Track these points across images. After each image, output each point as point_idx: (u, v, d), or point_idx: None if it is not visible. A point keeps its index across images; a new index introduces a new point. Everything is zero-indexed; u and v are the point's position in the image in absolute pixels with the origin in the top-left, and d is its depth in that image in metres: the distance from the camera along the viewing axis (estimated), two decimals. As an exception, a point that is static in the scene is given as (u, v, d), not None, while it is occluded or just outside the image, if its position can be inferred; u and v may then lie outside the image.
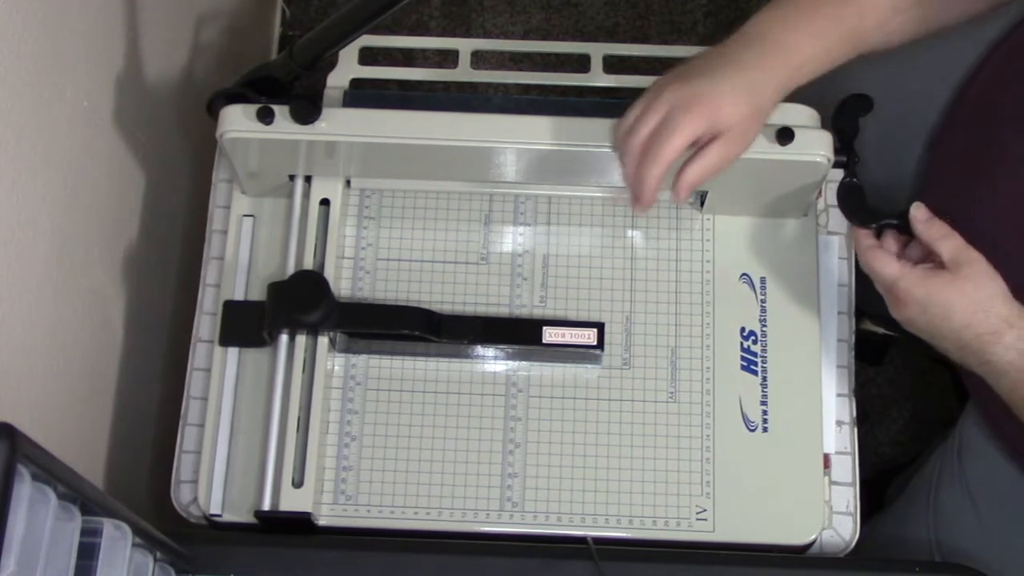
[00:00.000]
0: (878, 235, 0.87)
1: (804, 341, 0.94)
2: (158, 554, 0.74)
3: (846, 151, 0.90)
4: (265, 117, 0.88)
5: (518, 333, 0.92)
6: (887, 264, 0.84)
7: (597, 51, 1.02)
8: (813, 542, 0.90)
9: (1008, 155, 0.89)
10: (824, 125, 0.91)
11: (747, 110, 0.82)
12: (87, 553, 0.63)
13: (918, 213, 0.85)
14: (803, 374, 0.94)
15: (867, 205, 0.89)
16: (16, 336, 0.80)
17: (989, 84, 0.95)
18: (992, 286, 0.82)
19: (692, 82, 0.82)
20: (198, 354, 0.95)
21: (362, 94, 1.00)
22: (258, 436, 0.91)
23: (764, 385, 0.93)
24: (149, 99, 1.04)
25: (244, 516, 0.89)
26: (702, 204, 0.97)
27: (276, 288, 0.90)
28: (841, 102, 0.88)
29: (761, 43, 0.83)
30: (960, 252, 0.82)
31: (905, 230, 0.86)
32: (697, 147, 0.82)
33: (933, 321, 0.83)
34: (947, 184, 0.97)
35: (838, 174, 0.91)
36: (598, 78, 1.02)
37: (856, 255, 0.92)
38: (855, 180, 0.90)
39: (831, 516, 0.92)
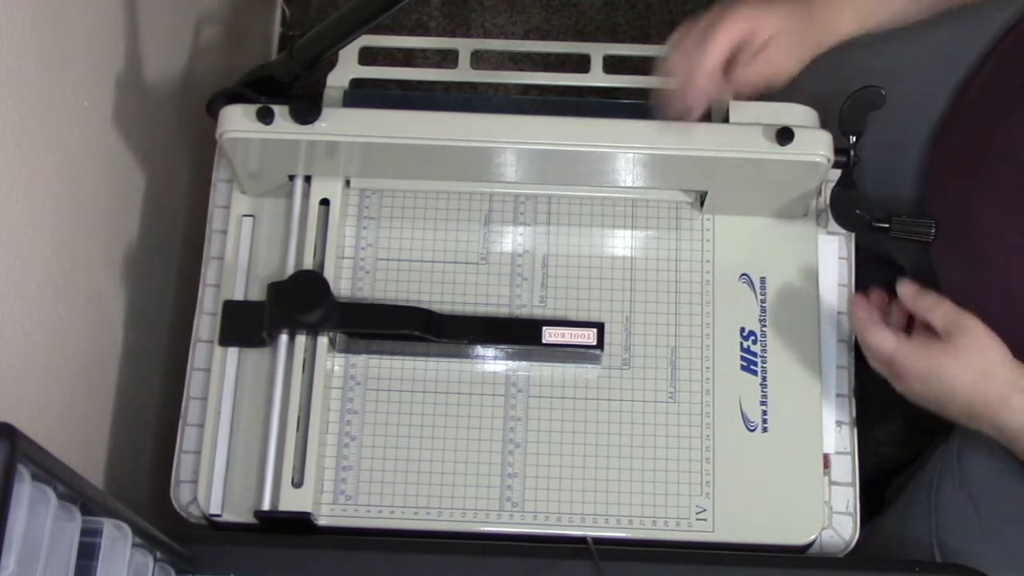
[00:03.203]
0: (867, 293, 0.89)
1: (804, 341, 0.94)
2: (158, 554, 0.74)
3: (847, 152, 0.89)
4: (265, 117, 0.88)
5: (518, 333, 0.92)
6: (883, 339, 0.84)
7: (597, 51, 1.02)
8: (813, 542, 0.90)
9: (1009, 151, 0.89)
10: (828, 123, 0.91)
11: (790, 23, 0.84)
12: (87, 553, 0.63)
13: (906, 290, 0.86)
14: (803, 374, 0.94)
15: (859, 211, 0.89)
16: (16, 336, 0.80)
17: (988, 81, 0.95)
18: (991, 351, 0.82)
19: (744, 4, 0.85)
20: (198, 354, 0.95)
21: (362, 94, 1.00)
22: (258, 436, 0.91)
23: (764, 385, 0.93)
24: (149, 99, 1.04)
25: (244, 516, 0.89)
26: (702, 204, 0.97)
27: (276, 288, 0.90)
28: (851, 95, 0.87)
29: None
30: (953, 320, 0.82)
31: (896, 235, 0.88)
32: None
33: (937, 395, 0.83)
34: (949, 184, 0.96)
35: (838, 173, 0.91)
36: (598, 78, 1.02)
37: (855, 334, 0.92)
38: (851, 184, 0.90)
39: (831, 516, 0.92)
